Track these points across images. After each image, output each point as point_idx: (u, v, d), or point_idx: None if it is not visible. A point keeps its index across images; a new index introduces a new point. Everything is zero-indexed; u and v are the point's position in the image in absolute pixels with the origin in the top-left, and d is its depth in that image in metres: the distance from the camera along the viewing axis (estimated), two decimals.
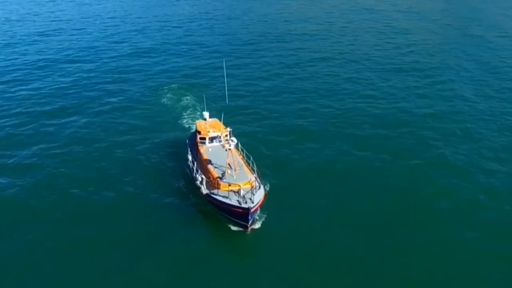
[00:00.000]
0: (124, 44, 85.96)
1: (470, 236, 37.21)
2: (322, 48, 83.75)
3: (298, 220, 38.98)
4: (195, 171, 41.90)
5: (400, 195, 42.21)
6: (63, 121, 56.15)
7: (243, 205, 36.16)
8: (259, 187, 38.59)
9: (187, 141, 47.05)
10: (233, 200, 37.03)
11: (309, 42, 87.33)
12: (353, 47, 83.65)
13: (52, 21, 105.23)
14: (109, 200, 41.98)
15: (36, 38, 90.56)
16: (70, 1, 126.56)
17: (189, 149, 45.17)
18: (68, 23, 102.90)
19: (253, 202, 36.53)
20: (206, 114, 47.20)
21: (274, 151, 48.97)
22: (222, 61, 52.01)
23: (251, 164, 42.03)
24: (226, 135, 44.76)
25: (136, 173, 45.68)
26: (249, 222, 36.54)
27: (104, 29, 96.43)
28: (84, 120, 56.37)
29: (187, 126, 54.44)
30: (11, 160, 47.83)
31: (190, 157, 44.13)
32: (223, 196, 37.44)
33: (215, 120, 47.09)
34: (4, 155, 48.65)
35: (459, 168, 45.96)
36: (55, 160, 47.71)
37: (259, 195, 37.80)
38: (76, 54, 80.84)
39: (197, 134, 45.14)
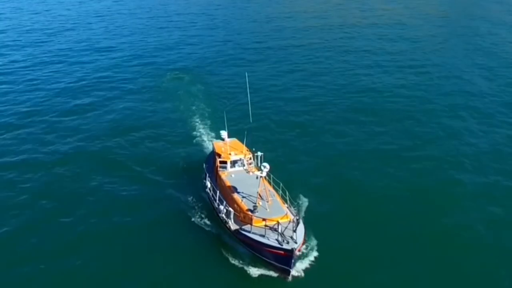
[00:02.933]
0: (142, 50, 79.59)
1: None
2: (360, 58, 76.38)
3: (348, 258, 32.85)
4: (217, 201, 35.69)
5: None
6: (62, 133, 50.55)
7: (285, 246, 30.05)
8: (298, 222, 32.54)
9: (204, 164, 40.75)
10: (271, 240, 30.89)
11: (345, 51, 79.62)
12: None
13: (56, 20, 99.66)
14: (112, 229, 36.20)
15: (39, 38, 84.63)
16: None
17: (206, 174, 38.94)
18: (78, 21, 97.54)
19: (296, 242, 30.52)
20: (224, 133, 40.91)
21: (305, 176, 42.39)
22: (245, 73, 45.76)
23: (280, 192, 36.12)
24: (250, 158, 38.75)
25: (148, 198, 39.80)
26: (292, 266, 30.46)
27: (115, 34, 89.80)
28: (97, 130, 51.11)
29: (202, 143, 48.14)
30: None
31: (208, 184, 37.93)
32: (259, 235, 31.27)
33: (234, 140, 40.97)
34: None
35: None
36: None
37: (301, 232, 31.81)
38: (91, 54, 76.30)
39: (216, 157, 38.88)
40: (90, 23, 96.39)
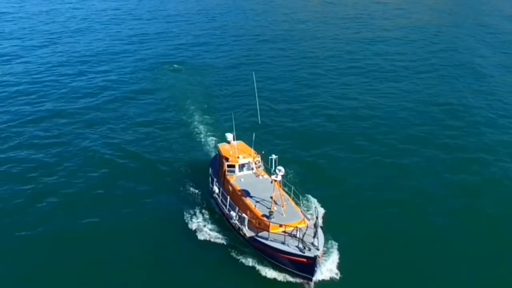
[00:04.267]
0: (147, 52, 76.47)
1: None
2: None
3: (374, 261, 31.71)
4: (228, 206, 34.14)
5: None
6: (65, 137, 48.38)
7: (308, 254, 28.74)
8: (317, 226, 31.11)
9: (210, 169, 39.06)
10: (292, 247, 29.54)
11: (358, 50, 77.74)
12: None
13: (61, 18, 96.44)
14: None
15: (45, 39, 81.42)
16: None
17: (214, 179, 37.29)
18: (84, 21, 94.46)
19: (318, 249, 29.24)
20: (229, 136, 39.26)
21: (317, 179, 41.01)
22: (252, 72, 44.25)
23: (292, 195, 34.80)
24: (258, 161, 37.29)
25: (151, 197, 38.63)
26: (314, 274, 29.16)
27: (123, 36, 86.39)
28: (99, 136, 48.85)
29: (207, 144, 46.50)
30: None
31: (216, 188, 36.34)
32: (280, 242, 29.86)
33: (241, 142, 39.40)
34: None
35: None
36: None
37: (321, 237, 30.53)
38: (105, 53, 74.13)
39: (223, 160, 37.27)
40: (93, 24, 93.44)
